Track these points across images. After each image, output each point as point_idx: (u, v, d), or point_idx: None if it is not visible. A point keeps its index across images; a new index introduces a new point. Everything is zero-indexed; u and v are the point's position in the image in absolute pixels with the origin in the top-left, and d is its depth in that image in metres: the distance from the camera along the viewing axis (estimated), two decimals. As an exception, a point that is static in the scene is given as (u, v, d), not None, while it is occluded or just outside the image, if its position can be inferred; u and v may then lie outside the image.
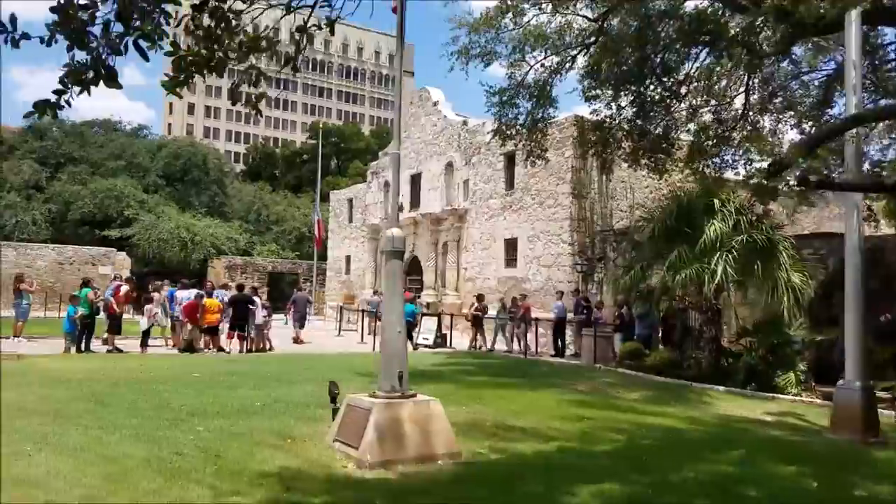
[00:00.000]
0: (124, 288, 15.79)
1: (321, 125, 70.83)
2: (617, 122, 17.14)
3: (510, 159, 22.97)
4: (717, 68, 16.31)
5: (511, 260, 22.55)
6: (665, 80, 16.78)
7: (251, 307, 15.90)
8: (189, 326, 14.93)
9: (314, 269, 37.80)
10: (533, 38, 17.16)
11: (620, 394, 10.81)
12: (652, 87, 16.73)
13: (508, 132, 18.01)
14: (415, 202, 28.27)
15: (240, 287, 17.55)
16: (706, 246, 11.17)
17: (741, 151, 18.35)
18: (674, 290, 12.38)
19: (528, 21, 17.32)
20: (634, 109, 16.79)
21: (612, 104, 17.15)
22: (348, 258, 33.74)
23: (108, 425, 6.63)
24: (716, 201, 11.69)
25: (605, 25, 16.67)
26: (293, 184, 61.94)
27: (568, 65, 17.36)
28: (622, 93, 17.03)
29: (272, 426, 7.05)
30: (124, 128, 45.61)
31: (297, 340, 19.66)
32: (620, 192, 21.24)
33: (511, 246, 22.54)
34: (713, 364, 12.87)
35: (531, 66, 17.68)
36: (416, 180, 28.38)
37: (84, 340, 14.25)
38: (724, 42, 14.75)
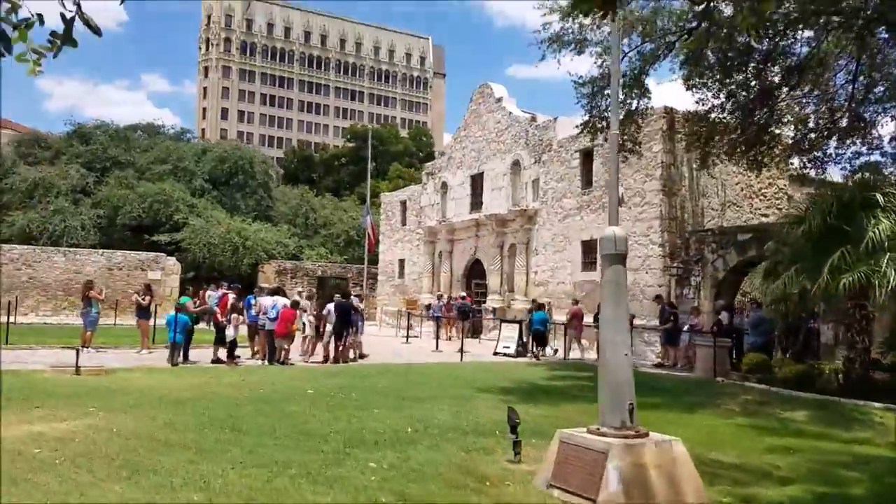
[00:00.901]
0: (232, 296, 14.98)
1: (361, 127, 70.34)
2: (724, 111, 15.92)
3: (586, 156, 21.75)
4: (832, 48, 15.02)
5: (590, 263, 21.28)
6: (773, 66, 15.52)
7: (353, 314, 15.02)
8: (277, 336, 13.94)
9: (364, 273, 36.93)
10: (628, 23, 16.01)
11: (783, 414, 9.53)
12: (759, 74, 15.50)
13: (600, 125, 16.87)
14: (476, 203, 27.14)
15: (344, 294, 16.50)
16: (872, 246, 9.84)
17: (846, 144, 17.01)
18: (817, 296, 11.04)
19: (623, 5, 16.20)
20: (742, 98, 15.56)
21: (721, 93, 15.97)
22: (402, 262, 32.73)
23: (266, 462, 5.57)
24: (878, 196, 10.33)
25: (711, 6, 15.48)
26: (332, 187, 61.28)
27: (664, 52, 16.23)
28: (728, 81, 15.84)
29: (448, 460, 5.94)
30: (167, 132, 45.18)
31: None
32: (712, 190, 19.89)
33: (589, 248, 21.27)
34: (861, 377, 11.51)
35: (625, 54, 16.51)
36: (476, 181, 27.24)
37: (183, 351, 13.43)
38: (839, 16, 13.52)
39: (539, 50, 16.38)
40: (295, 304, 14.53)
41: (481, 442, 6.63)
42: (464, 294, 25.37)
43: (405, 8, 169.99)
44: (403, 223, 32.86)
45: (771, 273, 11.33)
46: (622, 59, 16.56)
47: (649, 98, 16.69)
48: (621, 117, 16.78)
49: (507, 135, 25.57)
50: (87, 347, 16.00)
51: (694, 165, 19.55)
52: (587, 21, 16.22)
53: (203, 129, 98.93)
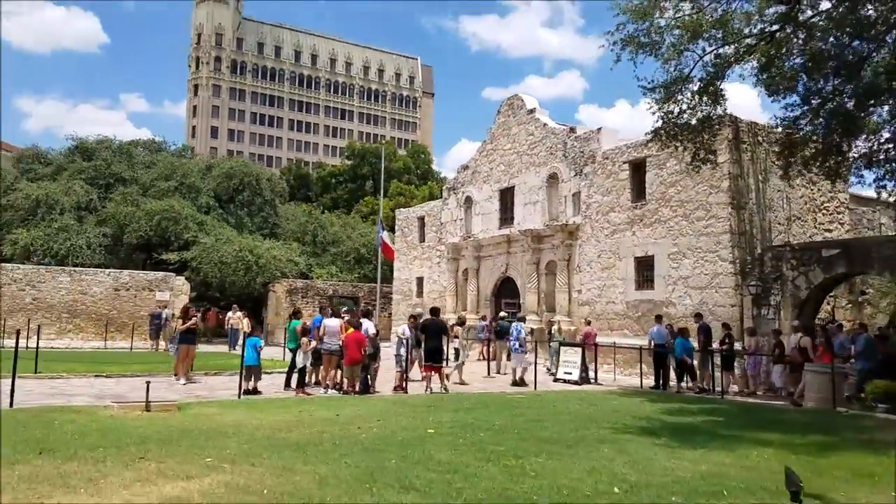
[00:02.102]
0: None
1: (359, 145, 69.20)
2: (814, 117, 15.01)
3: (636, 167, 20.76)
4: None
5: (645, 280, 20.20)
6: (865, 70, 14.64)
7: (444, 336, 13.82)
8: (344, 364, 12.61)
9: (378, 292, 35.57)
10: (703, 25, 15.12)
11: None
12: (851, 79, 14.62)
13: (672, 132, 15.88)
14: (506, 219, 26.03)
15: (434, 311, 15.16)
16: None
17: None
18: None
19: (697, 7, 15.34)
20: (833, 105, 14.64)
21: (810, 98, 15.08)
22: (420, 280, 31.44)
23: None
24: None
25: (796, 10, 14.65)
26: (329, 205, 59.89)
27: (741, 56, 15.34)
28: (817, 87, 14.97)
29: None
30: (168, 148, 43.65)
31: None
32: (777, 203, 18.97)
33: (644, 265, 20.20)
34: None
35: (700, 57, 15.59)
36: (506, 195, 26.15)
37: (298, 378, 12.25)
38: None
39: (612, 52, 15.45)
40: (358, 326, 13.25)
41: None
42: (503, 314, 24.11)
43: (393, 27, 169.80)
44: (422, 240, 31.63)
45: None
46: (695, 65, 15.77)
47: (723, 105, 15.80)
48: (695, 125, 15.99)
49: (541, 147, 24.56)
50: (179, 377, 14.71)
51: (760, 177, 18.68)
52: (662, 21, 15.38)
53: (192, 148, 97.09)
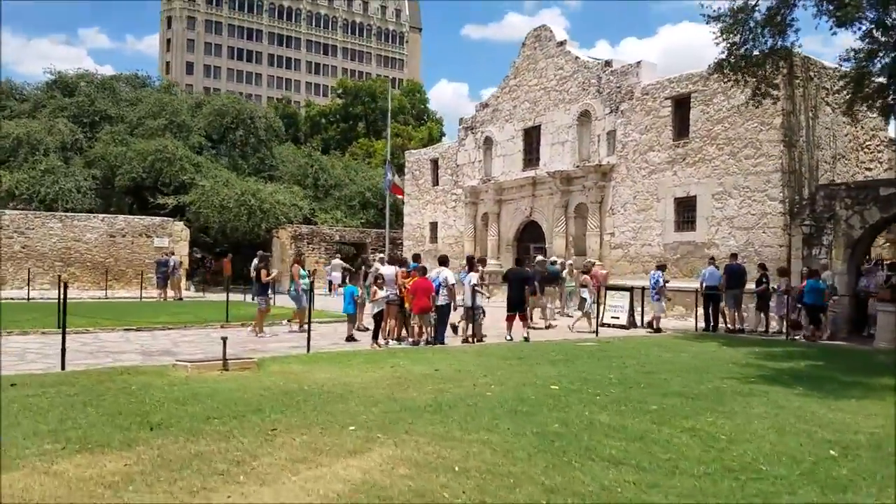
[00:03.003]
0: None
1: (351, 82, 66.70)
2: (881, 54, 14.06)
3: (679, 104, 19.76)
4: None
5: (685, 222, 19.51)
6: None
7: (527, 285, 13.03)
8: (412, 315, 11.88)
9: (386, 237, 34.57)
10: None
11: None
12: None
13: (740, 64, 14.87)
14: (531, 160, 24.98)
15: (518, 261, 14.35)
16: None
17: None
18: None
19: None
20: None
21: (878, 31, 14.09)
22: (434, 225, 30.46)
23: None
24: None
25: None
26: (320, 147, 58.03)
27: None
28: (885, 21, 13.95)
29: None
30: (153, 84, 41.34)
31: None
32: (824, 141, 18.21)
33: (685, 206, 19.47)
34: None
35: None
36: (531, 134, 25.02)
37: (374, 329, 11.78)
38: None
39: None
40: (424, 270, 12.41)
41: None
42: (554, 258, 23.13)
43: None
44: (435, 183, 30.49)
45: None
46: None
47: (792, 36, 14.79)
48: (759, 58, 14.98)
49: (572, 83, 23.33)
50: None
51: (810, 114, 17.83)
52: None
53: (168, 63, 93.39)
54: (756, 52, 14.71)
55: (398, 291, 12.20)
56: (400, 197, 32.86)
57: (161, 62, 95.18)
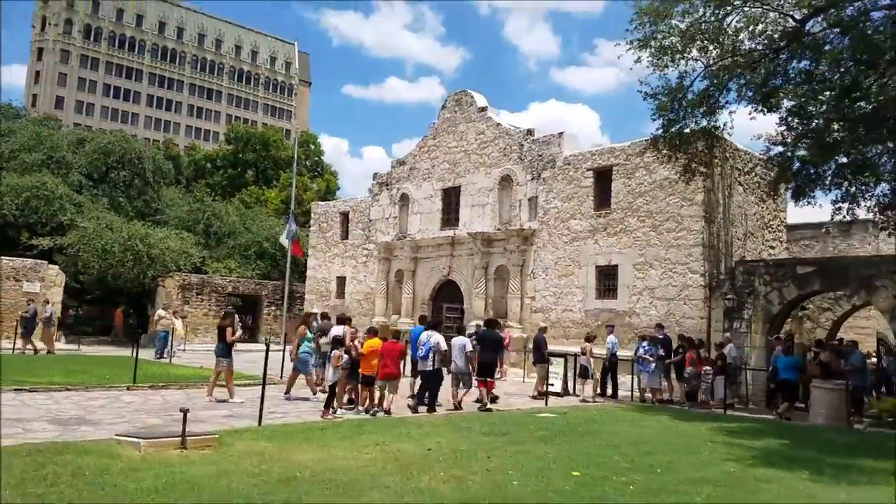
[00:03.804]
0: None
1: (243, 129, 64.40)
2: (804, 138, 15.34)
3: (600, 175, 20.50)
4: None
5: (607, 290, 19.96)
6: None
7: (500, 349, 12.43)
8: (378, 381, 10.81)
9: (285, 291, 32.86)
10: (711, 33, 15.06)
11: None
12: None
13: (674, 140, 15.64)
14: (449, 220, 24.88)
15: (490, 322, 13.40)
16: None
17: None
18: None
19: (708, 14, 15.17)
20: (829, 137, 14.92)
21: (793, 118, 15.41)
22: (342, 279, 29.37)
23: None
24: None
25: (806, 29, 14.90)
26: (205, 192, 55.11)
27: (742, 70, 15.41)
28: (809, 111, 15.30)
29: None
30: (27, 116, 37.61)
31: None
32: (738, 219, 19.50)
33: (606, 274, 19.97)
34: None
35: (706, 67, 15.48)
36: (450, 194, 25.00)
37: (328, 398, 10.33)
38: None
39: (629, 52, 14.98)
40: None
41: None
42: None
43: (265, 9, 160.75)
44: (345, 237, 29.57)
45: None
46: (697, 76, 15.66)
47: (717, 117, 15.83)
48: (688, 137, 15.87)
49: (492, 147, 23.68)
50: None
51: (726, 193, 19.07)
52: (681, 24, 15.05)
53: (35, 96, 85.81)
54: (687, 130, 15.57)
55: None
56: (298, 256, 31.54)
57: (28, 94, 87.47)
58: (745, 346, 16.71)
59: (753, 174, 20.20)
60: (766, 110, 15.31)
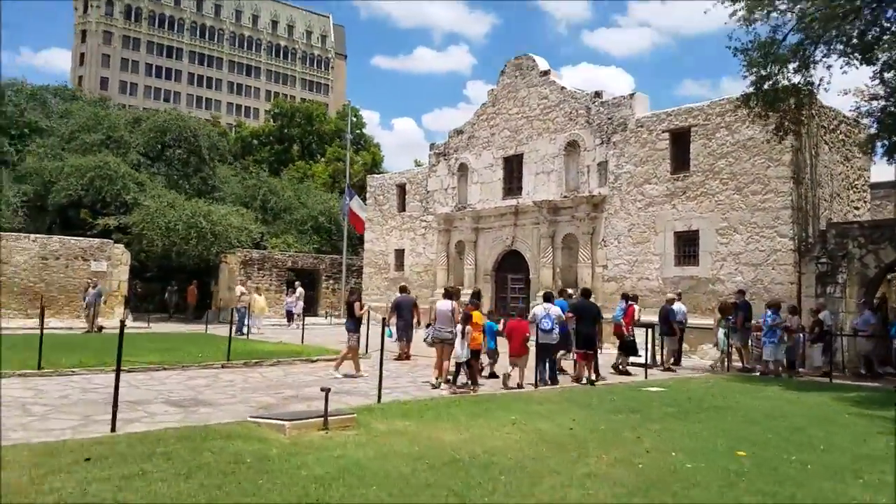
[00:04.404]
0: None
1: (288, 103, 64.46)
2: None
3: (677, 137, 19.72)
4: None
5: (687, 256, 19.33)
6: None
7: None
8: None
9: (343, 265, 32.96)
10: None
11: None
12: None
13: (770, 97, 14.84)
14: (512, 189, 24.38)
15: (585, 292, 13.15)
16: None
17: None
18: None
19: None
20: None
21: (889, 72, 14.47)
22: (400, 252, 29.22)
23: None
24: None
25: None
26: (258, 168, 55.41)
27: (841, 22, 14.45)
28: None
29: None
30: (84, 97, 38.07)
31: (403, 356, 15.21)
32: (825, 180, 18.60)
33: (686, 240, 19.31)
34: None
35: (800, 19, 14.55)
36: (512, 163, 24.46)
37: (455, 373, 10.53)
38: None
39: (722, 5, 14.23)
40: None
41: None
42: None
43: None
44: (402, 209, 29.34)
45: None
46: (791, 28, 14.78)
47: (810, 73, 14.92)
48: (784, 93, 15.04)
49: (557, 112, 23.00)
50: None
51: (813, 152, 18.16)
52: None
53: (80, 77, 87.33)
54: (779, 87, 14.76)
55: (453, 329, 10.99)
56: (360, 232, 31.53)
57: (73, 76, 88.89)
58: (840, 312, 16.03)
59: (838, 132, 19.19)
60: (863, 63, 14.44)
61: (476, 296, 12.24)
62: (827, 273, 16.36)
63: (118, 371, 7.36)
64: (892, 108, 14.33)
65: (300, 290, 28.00)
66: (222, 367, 13.09)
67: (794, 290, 16.97)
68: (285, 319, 27.59)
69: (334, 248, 35.73)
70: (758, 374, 14.95)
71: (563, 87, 23.06)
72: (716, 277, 18.44)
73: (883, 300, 17.42)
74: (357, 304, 11.98)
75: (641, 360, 16.03)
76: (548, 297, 12.16)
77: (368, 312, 13.91)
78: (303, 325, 19.84)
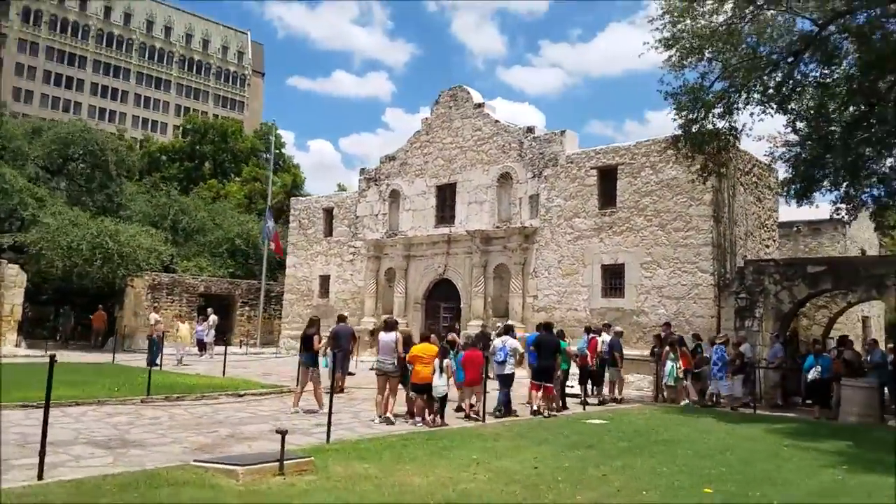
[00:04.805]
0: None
1: (201, 119, 62.12)
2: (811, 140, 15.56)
3: (605, 174, 20.37)
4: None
5: (613, 288, 19.85)
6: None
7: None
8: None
9: (262, 291, 31.79)
10: (733, 35, 15.06)
11: None
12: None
13: (694, 140, 15.61)
14: (445, 217, 24.35)
15: (547, 326, 12.73)
16: None
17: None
18: None
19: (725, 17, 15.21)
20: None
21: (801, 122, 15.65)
22: (325, 278, 28.45)
23: None
24: None
25: (825, 33, 15.03)
26: (167, 186, 52.85)
27: (760, 75, 15.47)
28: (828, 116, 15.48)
29: None
30: (-25, 102, 35.11)
31: (338, 388, 14.67)
32: (740, 219, 19.67)
33: (612, 273, 19.85)
34: None
35: (725, 68, 15.45)
36: (445, 192, 24.48)
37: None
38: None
39: (656, 51, 14.89)
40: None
41: None
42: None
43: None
44: (328, 234, 28.66)
45: None
46: (716, 78, 15.64)
47: (733, 119, 15.86)
48: (709, 137, 15.85)
49: (490, 144, 23.28)
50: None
51: (729, 193, 19.19)
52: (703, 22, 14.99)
53: (5, 104, 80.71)
54: (706, 130, 15.55)
55: (396, 362, 10.65)
56: (279, 255, 30.59)
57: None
58: (757, 345, 16.86)
59: (752, 174, 20.46)
60: (779, 111, 15.52)
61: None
62: (745, 307, 17.23)
63: (47, 407, 6.54)
64: (805, 155, 15.38)
65: (213, 317, 26.66)
66: (142, 402, 12.12)
67: (713, 324, 17.73)
68: (195, 349, 26.14)
69: (250, 272, 34.39)
70: (729, 409, 15.22)
71: (496, 121, 23.40)
72: (640, 309, 19.01)
73: (794, 334, 18.49)
74: (316, 338, 11.41)
75: (575, 390, 16.24)
76: (507, 330, 12.16)
77: (327, 347, 13.22)
78: (224, 356, 18.78)
